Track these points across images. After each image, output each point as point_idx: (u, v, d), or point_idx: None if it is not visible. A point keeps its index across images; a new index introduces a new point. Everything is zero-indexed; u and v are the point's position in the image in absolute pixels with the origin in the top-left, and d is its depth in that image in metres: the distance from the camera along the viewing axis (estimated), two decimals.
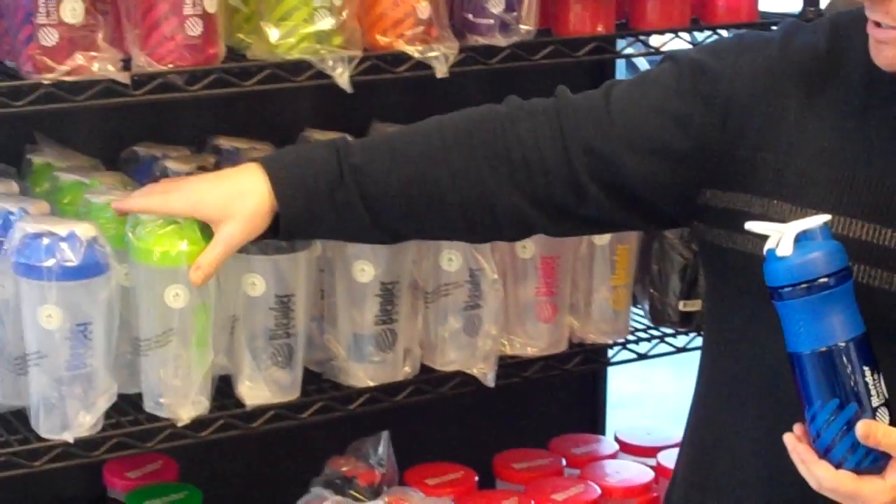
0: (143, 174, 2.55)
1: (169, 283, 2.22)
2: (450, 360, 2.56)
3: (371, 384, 2.47)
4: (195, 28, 2.19)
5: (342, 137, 2.09)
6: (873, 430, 1.71)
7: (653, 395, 4.48)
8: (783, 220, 1.81)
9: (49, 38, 2.09)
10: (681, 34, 2.71)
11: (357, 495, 2.60)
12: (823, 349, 1.74)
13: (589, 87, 2.88)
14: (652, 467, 2.95)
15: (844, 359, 1.74)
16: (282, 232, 2.04)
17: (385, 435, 2.69)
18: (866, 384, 1.74)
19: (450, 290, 2.53)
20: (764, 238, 1.78)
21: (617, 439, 3.11)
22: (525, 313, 2.65)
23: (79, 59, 2.11)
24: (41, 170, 2.51)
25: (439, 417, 2.78)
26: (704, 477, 2.07)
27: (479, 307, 2.55)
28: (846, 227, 1.84)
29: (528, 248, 2.60)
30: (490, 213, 2.02)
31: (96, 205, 2.32)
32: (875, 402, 1.74)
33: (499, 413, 2.93)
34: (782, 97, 1.92)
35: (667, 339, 2.86)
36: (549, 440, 3.07)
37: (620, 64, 3.03)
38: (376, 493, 2.61)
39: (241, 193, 2.02)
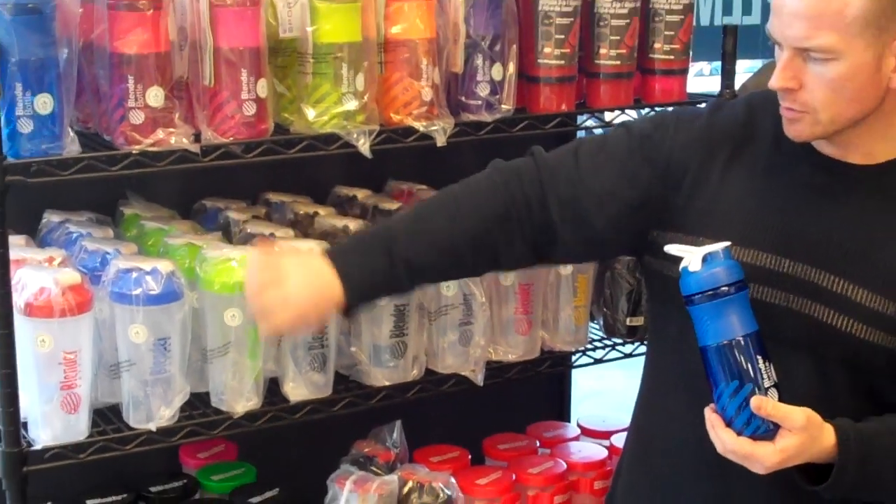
0: (209, 222, 2.56)
1: (227, 307, 2.23)
2: (448, 364, 2.55)
3: (387, 384, 2.46)
4: (250, 109, 2.19)
5: (388, 229, 1.99)
6: (764, 403, 1.72)
7: (607, 391, 4.46)
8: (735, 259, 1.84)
9: (137, 118, 2.10)
10: (627, 111, 2.69)
11: (377, 470, 2.58)
12: (725, 342, 1.75)
13: None
14: (606, 447, 2.93)
15: (742, 349, 1.75)
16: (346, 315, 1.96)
17: (398, 424, 2.67)
18: (759, 370, 1.75)
19: (448, 311, 2.52)
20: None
21: (579, 425, 3.09)
22: (507, 328, 2.64)
23: (160, 133, 2.12)
24: (131, 219, 2.51)
25: (440, 409, 2.76)
26: (646, 449, 2.06)
27: (470, 323, 2.54)
28: (755, 257, 1.85)
29: (509, 276, 2.59)
30: (495, 261, 2.00)
31: (173, 246, 2.33)
32: (767, 384, 1.75)
33: (486, 406, 2.91)
34: (709, 158, 1.92)
35: (617, 347, 2.83)
36: (526, 426, 3.05)
37: (580, 133, 3.03)
38: (391, 469, 2.59)
39: (322, 299, 1.89)
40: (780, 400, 1.75)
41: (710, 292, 1.76)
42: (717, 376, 1.77)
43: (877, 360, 1.83)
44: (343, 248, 1.99)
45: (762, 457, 1.74)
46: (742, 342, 1.75)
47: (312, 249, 2.18)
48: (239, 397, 2.28)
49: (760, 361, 1.75)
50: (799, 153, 1.87)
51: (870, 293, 1.80)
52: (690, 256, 1.78)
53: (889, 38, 1.74)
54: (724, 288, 1.76)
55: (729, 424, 1.76)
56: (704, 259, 1.77)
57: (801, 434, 1.73)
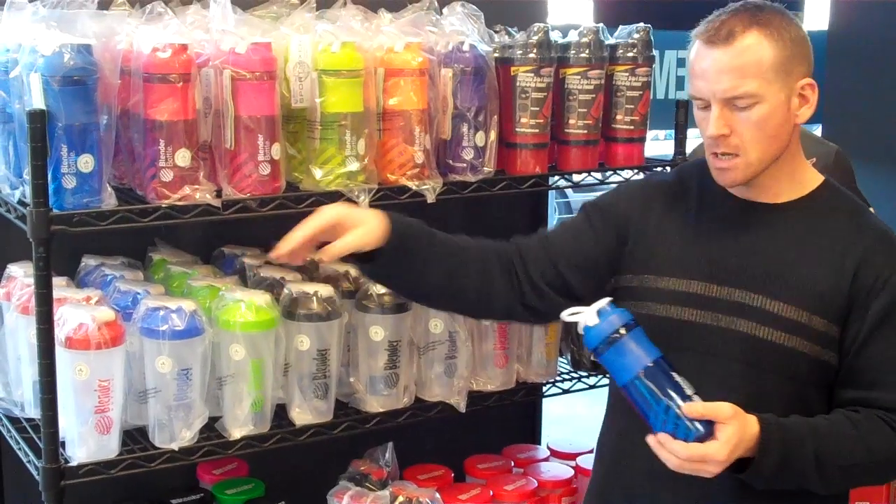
0: (227, 267, 2.56)
1: (231, 343, 2.23)
2: (435, 393, 2.54)
3: (381, 410, 2.45)
4: (265, 169, 2.20)
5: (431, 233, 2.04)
6: (694, 406, 1.74)
7: (574, 417, 4.43)
8: (653, 287, 1.93)
9: (167, 176, 2.12)
10: (593, 173, 2.70)
11: (371, 486, 2.58)
12: (640, 373, 1.76)
13: (530, 209, 2.94)
14: (573, 467, 2.92)
15: (656, 373, 1.76)
16: (380, 258, 1.95)
17: (390, 445, 2.66)
18: (677, 383, 1.76)
19: (435, 346, 2.52)
20: (642, 305, 1.88)
21: (549, 448, 3.08)
22: (486, 361, 2.64)
23: (186, 190, 2.14)
24: (159, 264, 2.52)
25: (427, 433, 2.75)
26: (610, 463, 2.07)
27: (455, 357, 2.53)
28: (688, 286, 1.92)
29: None
30: (489, 307, 2.09)
31: (196, 287, 2.34)
32: (689, 391, 1.76)
33: (468, 430, 2.90)
34: (648, 211, 2.02)
35: (583, 379, 2.83)
36: (502, 448, 3.04)
37: (552, 194, 3.04)
38: (384, 486, 2.59)
39: (374, 217, 1.95)
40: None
41: (609, 339, 1.78)
42: (644, 405, 1.77)
43: (800, 368, 1.86)
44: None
45: (714, 453, 1.73)
46: (653, 367, 1.76)
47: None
48: (238, 422, 2.27)
49: (676, 376, 1.76)
50: (718, 200, 1.96)
51: (787, 306, 1.86)
52: (584, 315, 1.80)
53: (794, 80, 1.86)
54: (620, 330, 1.78)
55: (680, 432, 1.76)
56: (597, 313, 1.79)
57: (735, 421, 1.74)
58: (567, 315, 1.83)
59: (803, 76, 1.87)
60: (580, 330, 1.81)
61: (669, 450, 1.75)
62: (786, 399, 1.87)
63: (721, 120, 1.84)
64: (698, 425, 1.74)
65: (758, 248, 1.91)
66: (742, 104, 1.83)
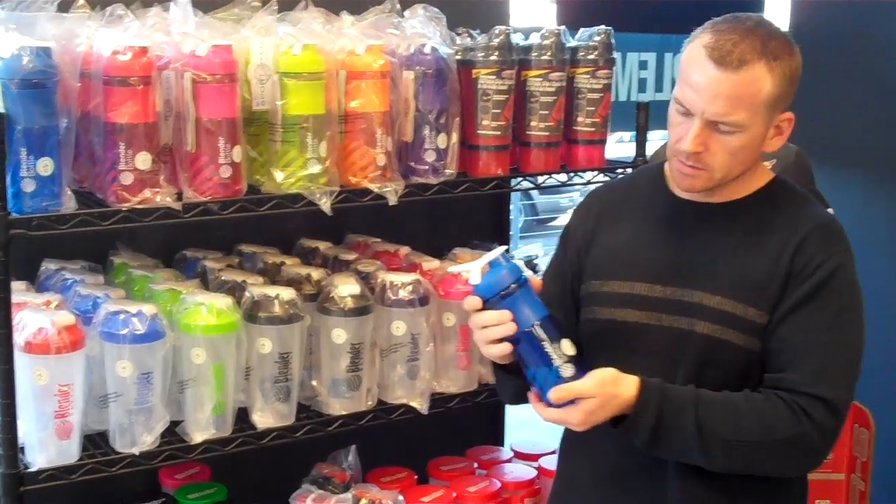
0: (189, 270, 2.56)
1: (192, 346, 2.23)
2: (397, 395, 2.54)
3: (344, 413, 2.45)
4: (226, 172, 2.20)
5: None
6: (558, 392, 1.81)
7: (536, 419, 4.45)
8: (599, 292, 1.98)
9: (127, 179, 2.11)
10: (554, 175, 2.71)
11: (334, 489, 2.58)
12: (526, 330, 1.81)
13: (492, 211, 2.94)
14: (536, 468, 2.94)
15: (540, 332, 1.81)
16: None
17: (353, 448, 2.66)
18: (556, 347, 1.81)
19: (398, 348, 2.52)
20: (605, 305, 1.90)
21: (512, 449, 3.09)
22: (449, 363, 2.64)
23: (147, 193, 2.13)
24: (119, 267, 2.51)
25: (390, 435, 2.75)
26: (570, 457, 2.10)
27: (417, 359, 2.53)
28: (632, 288, 1.96)
29: (451, 318, 2.58)
30: None
31: (157, 291, 2.34)
32: (558, 361, 1.81)
33: (431, 432, 2.88)
34: (597, 220, 2.06)
35: None
36: (465, 450, 3.05)
37: (515, 196, 3.05)
38: (347, 488, 2.59)
39: None
40: (577, 368, 1.81)
41: (501, 293, 1.81)
42: (524, 359, 1.84)
43: (740, 361, 1.88)
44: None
45: (570, 418, 1.82)
46: (539, 326, 1.81)
47: None
48: (200, 426, 2.26)
49: (548, 345, 1.81)
50: (666, 202, 1.99)
51: (724, 299, 1.88)
52: (470, 271, 1.84)
53: (777, 114, 1.86)
54: (512, 286, 1.81)
55: (548, 401, 1.83)
56: (491, 265, 1.83)
57: (598, 395, 1.80)
58: (452, 268, 1.87)
59: (784, 110, 1.88)
60: (470, 282, 1.83)
61: (537, 411, 1.86)
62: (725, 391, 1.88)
63: (699, 138, 1.84)
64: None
65: (702, 247, 1.93)
66: (724, 129, 1.83)
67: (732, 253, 1.90)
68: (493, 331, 1.83)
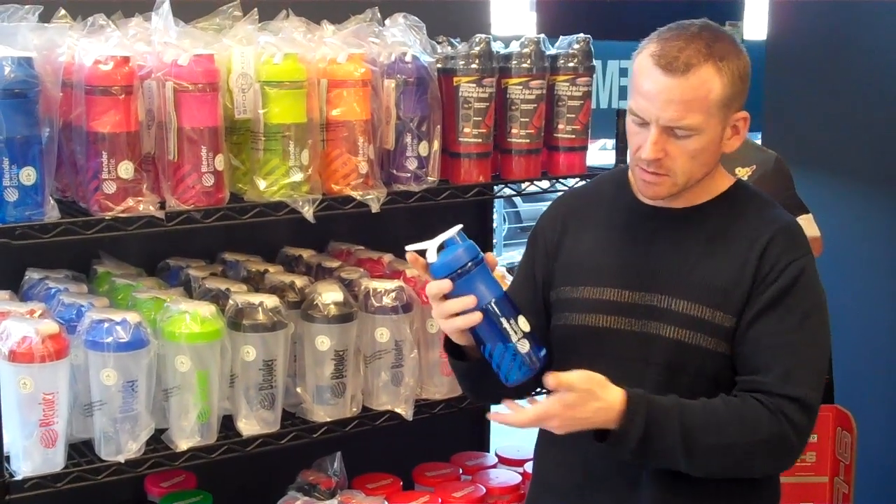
0: (173, 279, 2.56)
1: (177, 354, 2.23)
2: (382, 402, 2.54)
3: (328, 420, 2.46)
4: (209, 180, 2.21)
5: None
6: (553, 379, 1.79)
7: None
8: (570, 297, 1.99)
9: (110, 188, 2.12)
10: (535, 182, 2.73)
11: (319, 496, 2.58)
12: (483, 307, 1.80)
13: (472, 217, 2.94)
14: (520, 473, 2.95)
15: (496, 310, 1.81)
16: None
17: (338, 455, 2.67)
18: (513, 323, 1.81)
19: (382, 355, 2.52)
20: (575, 313, 1.91)
21: (497, 455, 3.10)
22: (433, 370, 2.65)
23: (130, 202, 2.14)
24: (103, 276, 2.51)
25: (375, 442, 2.75)
26: (545, 460, 2.11)
27: (401, 366, 2.54)
28: (602, 293, 1.97)
29: (434, 325, 2.58)
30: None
31: (140, 300, 2.34)
32: (515, 338, 1.81)
33: (416, 438, 2.91)
34: (564, 225, 2.07)
35: None
36: (450, 456, 3.06)
37: (499, 204, 3.07)
38: (332, 495, 2.59)
39: None
40: (531, 347, 1.81)
41: (458, 270, 1.80)
42: (482, 337, 1.83)
43: (709, 365, 1.90)
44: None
45: (549, 409, 1.79)
46: (496, 304, 1.81)
47: None
48: (185, 434, 2.27)
49: (505, 321, 1.80)
50: (631, 207, 2.01)
51: (691, 304, 1.90)
52: (427, 250, 1.83)
53: (731, 113, 1.89)
54: (469, 264, 1.81)
55: (505, 377, 1.82)
56: (445, 245, 1.82)
57: (582, 390, 1.79)
58: (409, 247, 1.85)
59: (739, 110, 1.90)
60: (427, 259, 1.83)
61: (509, 422, 1.83)
62: (702, 398, 1.89)
63: (658, 145, 1.86)
64: (528, 366, 1.81)
65: (668, 252, 1.95)
66: (681, 133, 1.85)
67: (698, 258, 1.92)
68: (453, 303, 1.82)
